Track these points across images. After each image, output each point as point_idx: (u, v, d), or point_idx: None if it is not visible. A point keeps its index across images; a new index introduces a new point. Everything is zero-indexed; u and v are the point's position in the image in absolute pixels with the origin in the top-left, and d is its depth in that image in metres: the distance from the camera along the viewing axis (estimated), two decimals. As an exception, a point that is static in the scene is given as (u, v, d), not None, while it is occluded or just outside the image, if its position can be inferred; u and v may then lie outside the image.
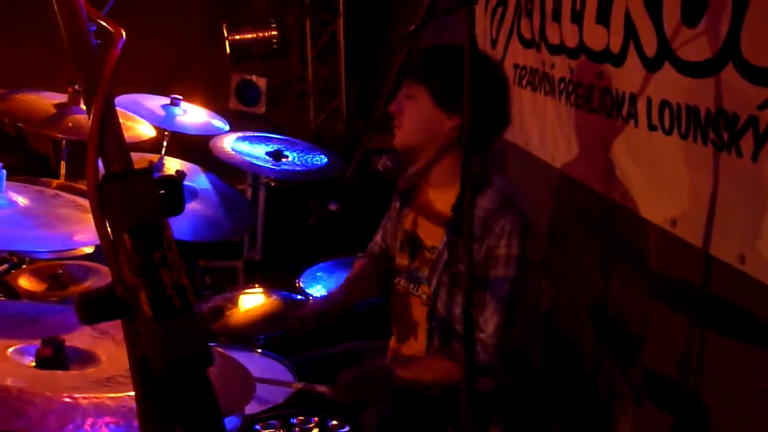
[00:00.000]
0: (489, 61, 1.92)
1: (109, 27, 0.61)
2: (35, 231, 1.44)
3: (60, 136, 2.55)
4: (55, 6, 0.59)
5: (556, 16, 2.44)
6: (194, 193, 2.45)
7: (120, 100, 2.60)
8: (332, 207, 1.79)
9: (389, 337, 2.06)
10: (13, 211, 1.46)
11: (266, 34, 5.00)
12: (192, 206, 2.36)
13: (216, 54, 4.96)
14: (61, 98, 2.39)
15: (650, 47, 1.84)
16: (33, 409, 0.86)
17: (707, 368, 1.77)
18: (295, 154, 2.93)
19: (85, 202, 1.65)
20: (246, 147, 2.87)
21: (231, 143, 2.83)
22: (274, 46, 5.05)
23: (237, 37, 4.98)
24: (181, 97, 2.88)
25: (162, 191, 0.56)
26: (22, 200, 1.50)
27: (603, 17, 2.08)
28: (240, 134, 2.95)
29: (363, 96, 5.46)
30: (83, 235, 1.48)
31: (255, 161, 2.79)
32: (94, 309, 0.55)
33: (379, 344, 2.12)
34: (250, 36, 5.01)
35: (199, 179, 2.57)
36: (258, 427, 1.70)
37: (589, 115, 2.25)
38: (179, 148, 2.87)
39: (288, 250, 3.78)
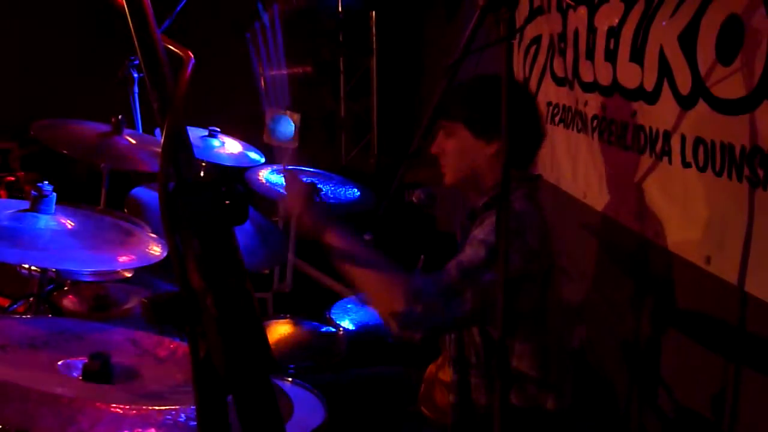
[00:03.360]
0: (517, 85, 1.96)
1: (179, 52, 0.66)
2: (82, 251, 1.49)
3: (102, 164, 2.64)
4: (133, 33, 0.63)
5: (590, 55, 2.47)
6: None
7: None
8: (366, 238, 1.82)
9: (419, 365, 2.06)
10: (62, 232, 1.51)
11: (301, 70, 5.12)
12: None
13: (252, 88, 5.07)
14: (105, 128, 2.47)
15: (684, 85, 1.86)
16: (83, 417, 0.88)
17: (742, 408, 1.74)
18: (328, 187, 2.97)
19: (129, 227, 1.70)
20: (281, 179, 2.92)
21: (266, 175, 2.89)
22: (309, 82, 5.16)
23: (272, 72, 5.09)
24: (218, 129, 2.96)
25: (228, 201, 0.59)
26: (70, 222, 1.56)
27: (637, 56, 2.11)
28: (275, 166, 3.01)
29: (394, 132, 5.53)
30: (127, 257, 1.53)
31: (289, 193, 2.83)
32: (161, 312, 0.58)
33: (410, 371, 2.12)
34: (284, 72, 5.12)
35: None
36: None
37: (621, 152, 2.26)
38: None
39: (318, 283, 3.78)
